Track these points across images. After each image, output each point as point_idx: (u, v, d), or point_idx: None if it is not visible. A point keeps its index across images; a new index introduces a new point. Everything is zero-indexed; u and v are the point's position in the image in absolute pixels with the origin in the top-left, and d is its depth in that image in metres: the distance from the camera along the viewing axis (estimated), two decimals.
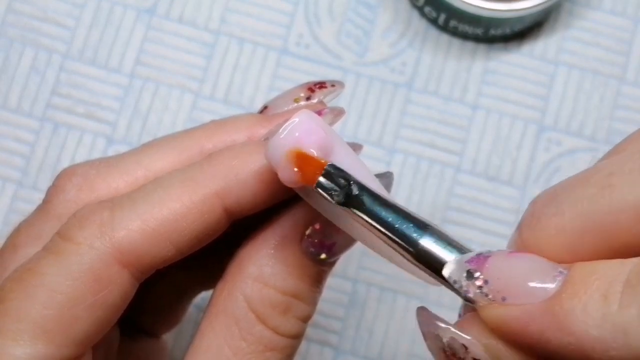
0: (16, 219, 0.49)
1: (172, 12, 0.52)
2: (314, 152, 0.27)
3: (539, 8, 0.49)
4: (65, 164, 0.50)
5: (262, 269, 0.29)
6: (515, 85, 0.52)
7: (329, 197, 0.27)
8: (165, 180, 0.29)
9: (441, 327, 0.25)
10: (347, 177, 0.27)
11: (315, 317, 0.50)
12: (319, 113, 0.31)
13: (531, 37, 0.52)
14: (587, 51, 0.52)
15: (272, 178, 0.29)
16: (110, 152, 0.51)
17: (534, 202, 0.25)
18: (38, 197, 0.49)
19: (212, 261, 0.33)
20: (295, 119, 0.27)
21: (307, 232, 0.29)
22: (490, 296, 0.23)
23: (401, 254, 0.26)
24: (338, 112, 0.32)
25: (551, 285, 0.23)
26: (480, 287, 0.24)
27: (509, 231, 0.50)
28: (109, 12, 0.52)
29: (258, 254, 0.29)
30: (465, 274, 0.24)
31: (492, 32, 0.51)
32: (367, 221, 0.26)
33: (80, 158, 0.51)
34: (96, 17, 0.52)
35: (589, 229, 0.23)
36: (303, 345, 0.49)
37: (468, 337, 0.24)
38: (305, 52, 0.52)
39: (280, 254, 0.29)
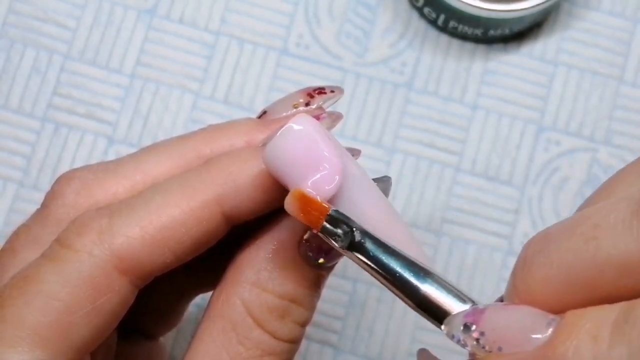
0: (17, 219, 0.49)
1: (173, 13, 0.52)
2: (315, 195, 0.27)
3: (538, 9, 0.49)
4: (66, 164, 0.51)
5: (260, 274, 0.29)
6: (515, 85, 0.52)
7: (332, 242, 0.27)
8: (164, 186, 0.29)
9: None
10: (350, 224, 0.27)
11: (316, 317, 0.50)
12: (317, 118, 0.31)
13: (530, 37, 0.52)
14: (586, 52, 0.52)
15: (270, 183, 0.29)
16: (111, 152, 0.51)
17: (526, 247, 0.26)
18: (39, 197, 0.50)
19: (211, 264, 0.33)
20: (292, 124, 0.27)
21: (305, 236, 0.30)
22: (486, 347, 0.24)
23: (403, 300, 0.27)
24: (336, 117, 0.32)
25: (544, 334, 0.23)
26: (477, 340, 0.24)
27: (509, 231, 0.50)
28: (109, 12, 0.52)
29: (256, 258, 0.29)
30: (462, 328, 0.25)
31: (492, 32, 0.51)
32: (370, 266, 0.27)
33: (81, 158, 0.51)
34: (97, 18, 0.52)
35: (574, 280, 0.24)
36: (303, 344, 0.49)
37: None
38: (305, 52, 0.52)
39: (278, 259, 0.29)
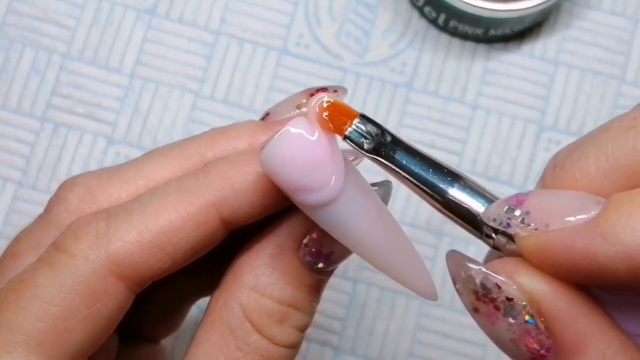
0: (16, 219, 0.49)
1: (172, 13, 0.52)
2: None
3: (539, 8, 0.49)
4: (65, 164, 0.50)
5: (259, 278, 0.29)
6: (515, 85, 0.52)
7: (358, 148, 0.27)
8: (161, 190, 0.29)
9: (474, 268, 0.25)
10: (379, 127, 0.27)
11: (316, 317, 0.50)
12: None
13: (531, 37, 0.52)
14: (586, 51, 0.52)
15: (269, 187, 0.28)
16: (111, 152, 0.51)
17: (555, 156, 0.26)
18: (38, 197, 0.50)
19: (211, 268, 0.33)
20: (289, 127, 0.27)
21: (305, 241, 0.29)
22: (532, 225, 0.24)
23: (431, 204, 0.27)
24: None
25: (594, 210, 0.23)
26: (522, 219, 0.24)
27: None
28: (109, 12, 0.52)
29: (254, 263, 0.29)
30: (506, 209, 0.25)
31: (492, 32, 0.51)
32: (397, 171, 0.27)
33: (80, 158, 0.51)
34: (96, 17, 0.52)
35: (614, 168, 0.24)
36: (303, 345, 0.49)
37: (502, 277, 0.25)
38: (305, 52, 0.52)
39: (277, 263, 0.29)
